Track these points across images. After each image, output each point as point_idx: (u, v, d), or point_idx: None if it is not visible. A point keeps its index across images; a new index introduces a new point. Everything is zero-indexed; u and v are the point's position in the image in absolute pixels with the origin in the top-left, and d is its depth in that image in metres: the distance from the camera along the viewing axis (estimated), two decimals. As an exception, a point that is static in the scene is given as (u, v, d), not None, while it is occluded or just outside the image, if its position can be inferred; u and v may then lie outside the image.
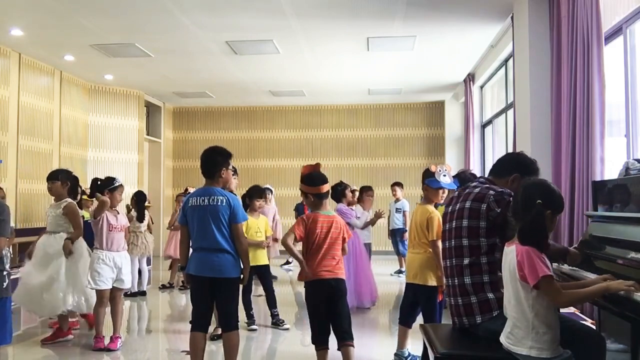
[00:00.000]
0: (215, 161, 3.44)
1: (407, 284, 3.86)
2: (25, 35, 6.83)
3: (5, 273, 2.97)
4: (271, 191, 8.29)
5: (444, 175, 3.73)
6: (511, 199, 2.51)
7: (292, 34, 6.77)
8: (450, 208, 2.82)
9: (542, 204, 2.15)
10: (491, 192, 2.63)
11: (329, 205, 3.65)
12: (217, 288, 3.37)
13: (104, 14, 6.05)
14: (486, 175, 3.06)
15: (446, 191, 3.86)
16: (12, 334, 3.07)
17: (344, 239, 3.53)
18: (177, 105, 11.95)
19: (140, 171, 10.20)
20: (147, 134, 10.88)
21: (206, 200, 3.36)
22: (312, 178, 3.57)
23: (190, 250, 3.49)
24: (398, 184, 8.60)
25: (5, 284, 2.96)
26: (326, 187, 3.57)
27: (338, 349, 3.43)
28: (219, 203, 3.33)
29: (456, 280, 2.66)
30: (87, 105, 9.48)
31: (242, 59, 7.92)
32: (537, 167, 2.78)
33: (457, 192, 2.89)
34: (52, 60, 8.08)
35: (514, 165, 2.79)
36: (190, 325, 3.48)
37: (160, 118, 11.45)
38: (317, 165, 3.70)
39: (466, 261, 2.61)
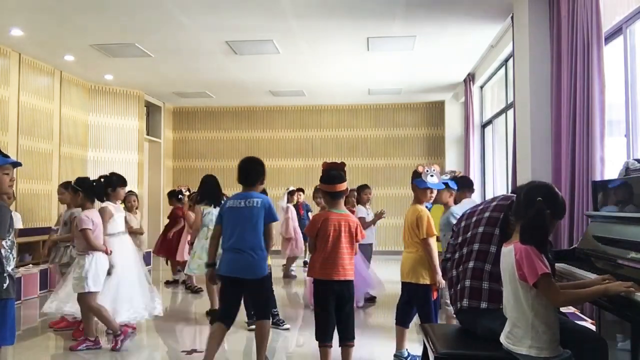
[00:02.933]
0: (257, 171, 3.75)
1: (402, 283, 3.86)
2: (25, 35, 6.83)
3: (5, 275, 2.95)
4: (296, 192, 8.53)
5: (431, 176, 3.75)
6: None
7: (292, 34, 6.77)
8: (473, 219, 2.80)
9: (542, 202, 2.16)
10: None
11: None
12: (248, 287, 3.60)
13: (104, 14, 6.05)
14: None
15: (434, 191, 3.86)
16: (15, 334, 3.07)
17: (356, 239, 3.52)
18: (177, 105, 11.95)
19: (140, 171, 10.20)
20: (147, 134, 10.88)
21: (243, 203, 3.61)
22: (329, 176, 3.59)
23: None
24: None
25: (5, 285, 2.94)
26: (341, 187, 3.56)
27: (339, 346, 3.49)
28: (256, 205, 3.60)
29: (472, 264, 2.62)
30: (87, 105, 9.48)
31: (242, 59, 7.92)
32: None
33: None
34: (52, 60, 8.08)
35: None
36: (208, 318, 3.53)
37: (160, 118, 11.45)
38: (341, 164, 3.67)
39: (488, 267, 2.58)
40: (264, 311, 3.72)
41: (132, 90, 10.03)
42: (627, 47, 4.12)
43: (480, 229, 2.68)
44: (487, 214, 2.67)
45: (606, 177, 3.86)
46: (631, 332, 2.62)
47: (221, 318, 3.61)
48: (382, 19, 6.23)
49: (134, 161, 10.01)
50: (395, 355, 3.89)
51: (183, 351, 4.34)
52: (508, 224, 2.35)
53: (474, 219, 2.75)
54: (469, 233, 2.74)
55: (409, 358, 3.85)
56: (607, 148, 3.99)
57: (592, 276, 2.54)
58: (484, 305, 2.51)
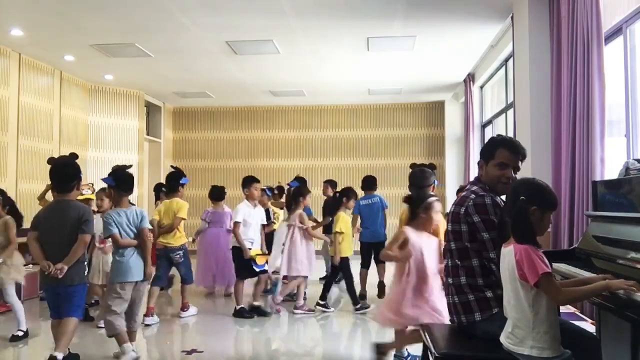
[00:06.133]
0: (372, 180, 6.63)
1: None
2: (25, 35, 6.83)
3: (85, 263, 3.79)
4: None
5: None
6: (490, 202, 2.55)
7: (292, 34, 6.78)
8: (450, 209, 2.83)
9: (525, 200, 2.17)
10: (472, 195, 2.63)
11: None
12: (374, 248, 6.27)
13: (104, 14, 6.05)
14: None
15: (434, 189, 3.99)
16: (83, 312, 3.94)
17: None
18: (177, 105, 11.95)
19: (140, 171, 10.19)
20: (147, 134, 10.88)
21: (369, 201, 6.49)
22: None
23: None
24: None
25: (86, 272, 3.83)
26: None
27: None
28: (376, 202, 6.48)
29: (451, 280, 2.69)
30: (87, 105, 9.48)
31: (242, 59, 7.92)
32: (495, 147, 2.67)
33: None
34: (52, 60, 8.08)
35: (481, 151, 2.82)
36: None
37: (160, 118, 11.45)
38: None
39: (458, 262, 2.64)
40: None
41: (132, 90, 10.03)
42: (627, 47, 4.12)
43: (445, 243, 2.78)
44: (449, 226, 2.71)
45: (606, 177, 3.86)
46: (631, 332, 2.62)
47: (363, 265, 6.38)
48: (382, 19, 6.23)
49: (134, 161, 10.00)
50: (395, 356, 3.89)
51: (183, 351, 4.34)
52: (504, 224, 2.36)
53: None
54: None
55: (409, 358, 3.84)
56: (607, 148, 3.99)
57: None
58: (477, 317, 2.54)
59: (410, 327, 3.55)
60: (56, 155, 8.40)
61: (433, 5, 5.84)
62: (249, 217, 5.58)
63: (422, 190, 3.86)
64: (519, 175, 2.69)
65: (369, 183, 6.62)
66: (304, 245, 5.74)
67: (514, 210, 2.20)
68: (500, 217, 2.43)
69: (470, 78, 9.06)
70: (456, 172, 10.56)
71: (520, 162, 2.69)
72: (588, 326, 3.47)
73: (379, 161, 11.50)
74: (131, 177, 4.12)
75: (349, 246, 5.88)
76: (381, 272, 6.44)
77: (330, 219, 6.23)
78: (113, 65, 8.30)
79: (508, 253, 2.22)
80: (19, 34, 6.77)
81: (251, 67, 8.40)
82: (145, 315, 5.12)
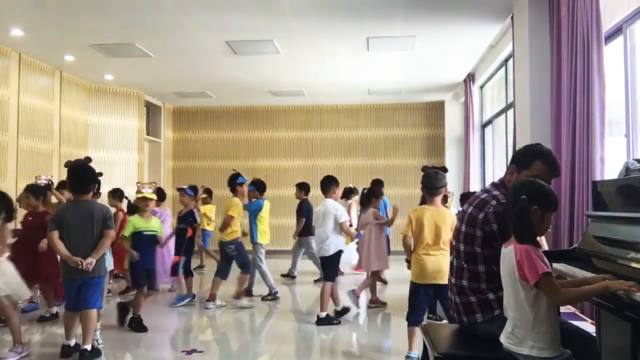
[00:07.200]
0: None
1: (428, 285, 3.81)
2: (25, 35, 6.83)
3: (106, 256, 4.19)
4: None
5: None
6: None
7: (292, 34, 6.77)
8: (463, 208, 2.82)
9: (526, 199, 2.17)
10: (493, 201, 2.55)
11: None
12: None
13: (104, 14, 6.05)
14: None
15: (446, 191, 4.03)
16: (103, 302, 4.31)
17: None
18: (177, 105, 11.95)
19: (140, 171, 10.20)
20: (147, 134, 10.88)
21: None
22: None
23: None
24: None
25: (105, 264, 4.19)
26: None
27: None
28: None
29: (453, 280, 2.69)
30: (87, 105, 9.48)
31: (242, 59, 7.92)
32: (534, 158, 2.62)
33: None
34: (52, 60, 8.08)
35: (513, 157, 2.77)
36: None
37: (160, 118, 11.45)
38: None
39: (464, 264, 2.62)
40: None
41: (132, 90, 10.03)
42: (627, 47, 4.12)
43: (454, 242, 2.77)
44: (462, 228, 2.67)
45: (606, 177, 3.86)
46: (631, 332, 2.62)
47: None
48: (382, 19, 6.23)
49: (134, 161, 10.01)
50: (407, 357, 3.88)
51: (183, 351, 4.34)
52: (506, 224, 2.36)
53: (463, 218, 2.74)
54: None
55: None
56: (607, 148, 3.99)
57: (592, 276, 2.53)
58: (479, 318, 2.54)
59: None
60: (56, 156, 8.46)
61: (433, 5, 5.83)
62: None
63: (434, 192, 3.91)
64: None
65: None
66: (378, 241, 5.95)
67: (515, 210, 2.19)
68: (502, 217, 2.44)
69: (470, 78, 9.06)
70: (456, 172, 10.55)
71: (552, 179, 2.62)
72: (588, 326, 3.47)
73: (379, 161, 11.50)
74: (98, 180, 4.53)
75: None
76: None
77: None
78: (113, 65, 8.30)
79: (508, 253, 2.22)
80: (19, 34, 6.77)
81: (251, 67, 8.39)
82: (207, 301, 5.96)
